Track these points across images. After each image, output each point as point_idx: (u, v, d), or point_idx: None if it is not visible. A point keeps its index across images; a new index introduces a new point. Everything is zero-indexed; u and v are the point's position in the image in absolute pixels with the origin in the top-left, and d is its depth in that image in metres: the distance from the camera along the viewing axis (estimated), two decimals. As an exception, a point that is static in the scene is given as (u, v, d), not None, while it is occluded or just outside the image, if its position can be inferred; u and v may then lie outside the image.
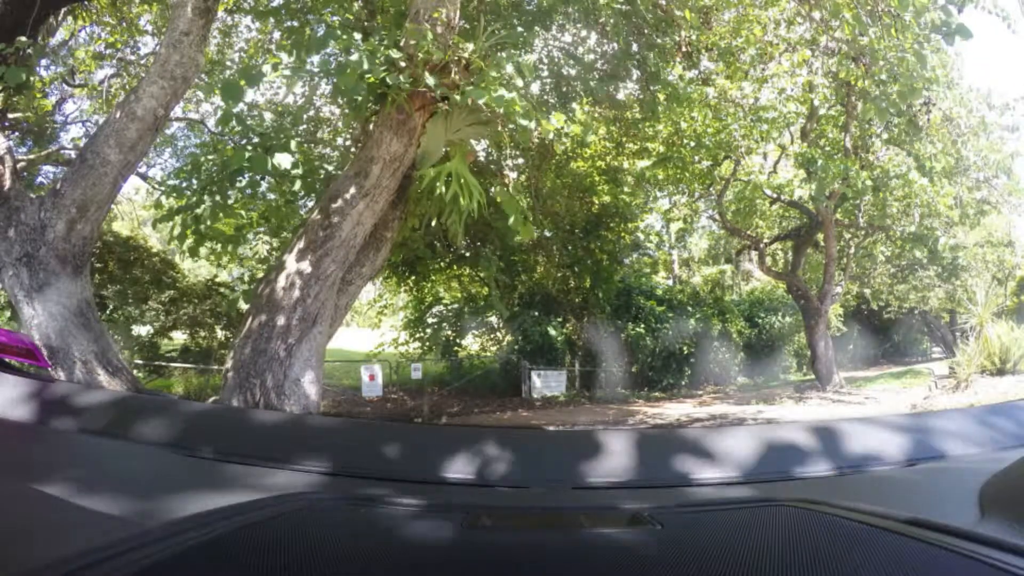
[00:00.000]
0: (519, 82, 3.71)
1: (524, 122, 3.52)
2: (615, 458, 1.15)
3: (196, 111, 10.23)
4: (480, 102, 3.38)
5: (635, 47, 5.68)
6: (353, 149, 6.39)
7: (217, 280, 10.78)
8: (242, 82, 3.59)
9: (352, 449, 1.13)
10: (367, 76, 3.35)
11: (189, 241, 4.60)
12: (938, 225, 11.13)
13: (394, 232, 4.18)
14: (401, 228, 4.31)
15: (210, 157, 4.71)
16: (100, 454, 1.11)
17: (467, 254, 10.68)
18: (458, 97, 3.46)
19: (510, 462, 1.15)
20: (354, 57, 3.38)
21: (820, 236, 12.06)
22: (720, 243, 18.16)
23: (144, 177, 11.18)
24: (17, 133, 9.07)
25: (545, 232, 11.16)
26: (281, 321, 3.49)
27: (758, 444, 1.27)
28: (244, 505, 0.81)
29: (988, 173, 10.94)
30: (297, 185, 4.54)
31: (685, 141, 9.24)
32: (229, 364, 3.56)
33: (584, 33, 6.54)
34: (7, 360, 1.55)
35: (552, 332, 10.90)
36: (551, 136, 3.68)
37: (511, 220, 4.20)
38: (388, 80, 3.34)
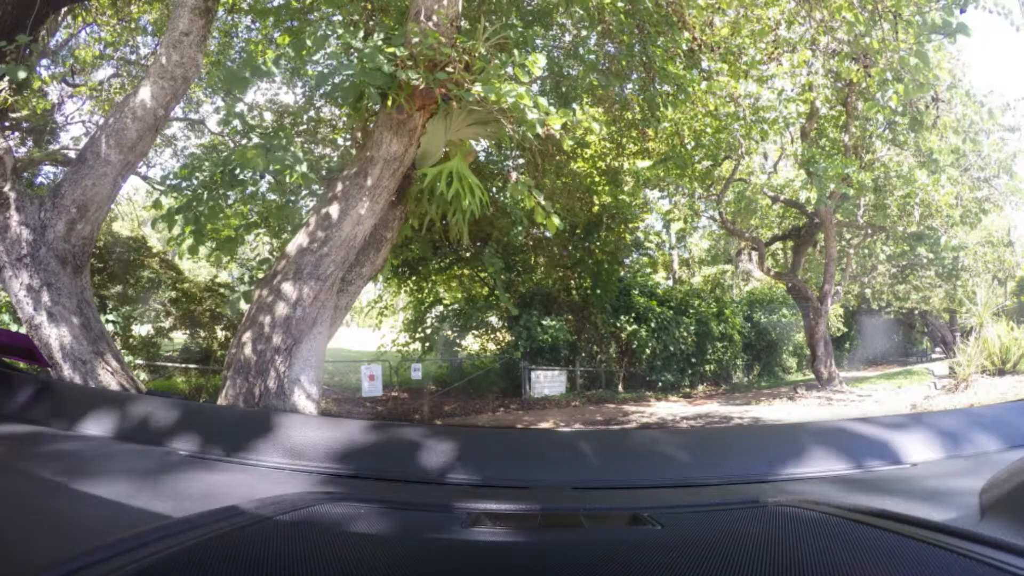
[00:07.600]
0: (524, 79, 3.69)
1: (532, 115, 3.49)
2: (615, 458, 1.15)
3: (196, 111, 10.26)
4: (489, 97, 3.35)
5: (637, 47, 5.67)
6: (353, 149, 6.39)
7: (217, 280, 10.80)
8: (247, 73, 3.57)
9: (352, 449, 1.13)
10: (380, 68, 3.29)
11: (188, 241, 4.58)
12: (939, 224, 11.14)
13: (394, 232, 4.17)
14: (401, 228, 4.30)
15: (212, 155, 4.69)
16: (100, 454, 1.11)
17: (467, 254, 10.68)
18: (461, 94, 3.43)
19: (510, 462, 1.15)
20: (358, 55, 3.36)
21: (820, 236, 12.07)
22: (720, 243, 18.17)
23: (144, 177, 11.20)
24: (17, 133, 9.08)
25: (545, 232, 11.17)
26: (281, 321, 3.49)
27: (758, 444, 1.27)
28: (244, 505, 0.81)
29: (989, 172, 10.96)
30: (295, 175, 4.51)
31: (685, 140, 9.23)
32: (229, 364, 3.56)
33: (584, 33, 6.53)
34: (7, 360, 1.55)
35: (552, 332, 10.89)
36: (557, 129, 3.62)
37: (536, 215, 4.12)
38: (397, 74, 3.31)
